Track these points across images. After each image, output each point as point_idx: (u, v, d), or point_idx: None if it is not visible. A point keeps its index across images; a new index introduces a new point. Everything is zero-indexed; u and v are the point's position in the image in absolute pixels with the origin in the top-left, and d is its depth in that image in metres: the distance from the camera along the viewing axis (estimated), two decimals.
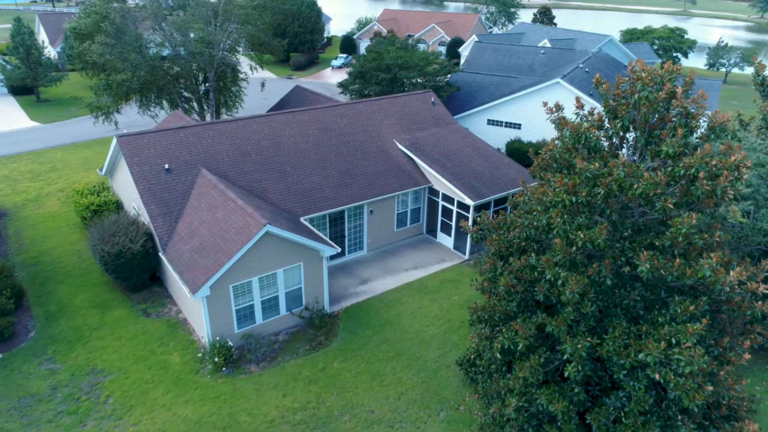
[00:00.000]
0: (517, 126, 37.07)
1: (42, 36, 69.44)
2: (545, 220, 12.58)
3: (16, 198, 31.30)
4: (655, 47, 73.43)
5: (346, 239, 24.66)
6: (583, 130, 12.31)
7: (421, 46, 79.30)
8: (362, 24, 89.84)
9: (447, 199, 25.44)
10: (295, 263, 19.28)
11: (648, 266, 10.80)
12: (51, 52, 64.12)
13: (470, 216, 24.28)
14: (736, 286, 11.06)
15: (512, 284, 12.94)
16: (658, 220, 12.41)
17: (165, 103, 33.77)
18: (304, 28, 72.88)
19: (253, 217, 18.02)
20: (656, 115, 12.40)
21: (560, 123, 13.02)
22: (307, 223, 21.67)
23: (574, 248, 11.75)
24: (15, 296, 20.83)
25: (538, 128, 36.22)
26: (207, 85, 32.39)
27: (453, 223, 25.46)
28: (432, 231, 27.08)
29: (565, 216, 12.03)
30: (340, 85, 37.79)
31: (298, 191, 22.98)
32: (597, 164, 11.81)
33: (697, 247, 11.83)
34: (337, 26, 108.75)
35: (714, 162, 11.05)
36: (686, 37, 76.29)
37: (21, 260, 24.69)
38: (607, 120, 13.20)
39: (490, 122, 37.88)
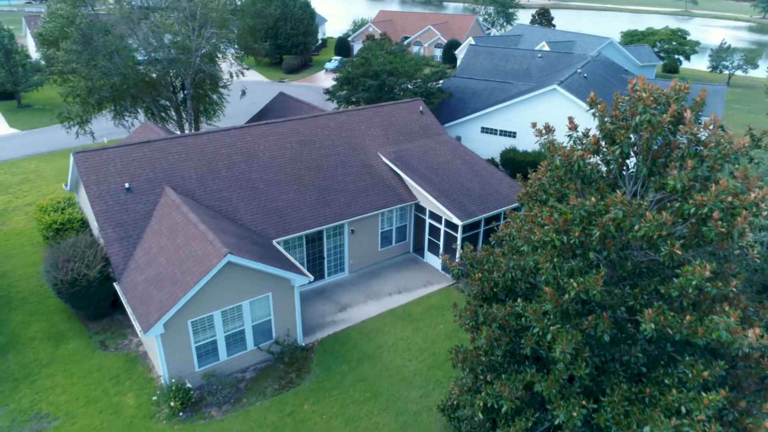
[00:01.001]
0: (512, 134, 35.34)
1: (29, 39, 67.80)
2: (533, 261, 10.86)
3: None
4: (656, 49, 71.65)
5: (326, 260, 22.92)
6: (576, 158, 10.57)
7: (417, 49, 77.65)
8: (357, 25, 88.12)
9: (434, 217, 23.71)
10: (262, 294, 17.54)
11: (653, 326, 9.07)
12: (37, 55, 62.43)
13: (458, 236, 22.54)
14: (755, 343, 9.33)
15: (495, 336, 11.20)
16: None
17: (141, 112, 32.04)
18: (296, 29, 71.18)
19: (214, 245, 16.29)
20: (660, 140, 10.67)
21: (550, 148, 11.29)
22: (279, 247, 19.95)
23: (566, 297, 10.01)
24: None
25: (534, 137, 34.42)
26: (185, 92, 30.67)
27: (441, 243, 23.73)
28: (419, 250, 25.35)
29: (555, 259, 10.30)
30: (327, 91, 36.09)
31: (272, 210, 21.25)
32: (593, 199, 10.07)
33: (709, 296, 10.09)
34: (333, 27, 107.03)
35: (730, 199, 9.31)
36: (688, 38, 74.49)
37: None
38: (604, 144, 11.47)
39: (485, 130, 36.15)
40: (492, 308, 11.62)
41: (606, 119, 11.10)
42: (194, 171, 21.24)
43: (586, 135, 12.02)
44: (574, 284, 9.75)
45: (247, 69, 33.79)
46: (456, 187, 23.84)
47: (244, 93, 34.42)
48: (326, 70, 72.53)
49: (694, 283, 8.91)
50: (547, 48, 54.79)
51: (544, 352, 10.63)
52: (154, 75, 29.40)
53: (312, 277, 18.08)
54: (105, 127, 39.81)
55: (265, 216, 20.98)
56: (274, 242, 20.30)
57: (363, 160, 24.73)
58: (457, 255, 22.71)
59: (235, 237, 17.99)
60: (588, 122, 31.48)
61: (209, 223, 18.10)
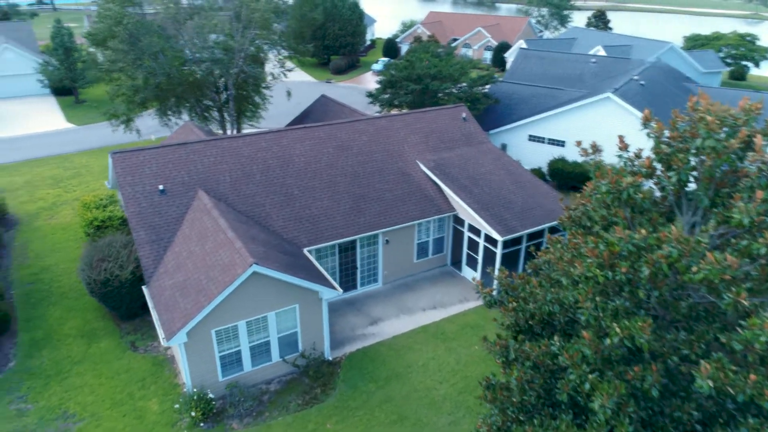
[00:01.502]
0: (561, 143, 33.77)
1: None
2: (572, 296, 9.82)
3: (31, 206, 30.56)
4: (722, 55, 67.60)
5: (358, 270, 22.30)
6: (625, 186, 9.46)
7: (465, 51, 76.21)
8: (406, 27, 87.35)
9: (473, 230, 22.69)
10: (289, 305, 17.06)
11: (711, 383, 7.91)
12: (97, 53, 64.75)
13: (498, 252, 21.44)
14: None
15: (527, 378, 10.20)
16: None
17: (185, 112, 32.35)
18: (344, 30, 71.11)
19: (240, 254, 15.90)
20: (726, 166, 9.42)
21: (596, 172, 10.21)
22: (310, 256, 19.44)
23: (609, 342, 8.94)
24: (1, 320, 19.51)
25: (583, 146, 32.78)
26: (227, 93, 30.74)
27: (479, 258, 22.68)
28: (457, 263, 24.37)
29: (597, 298, 9.23)
30: (370, 95, 35.50)
31: (305, 218, 20.78)
32: (643, 231, 8.96)
33: None
34: (383, 28, 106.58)
35: None
36: (758, 43, 69.93)
37: (20, 276, 23.57)
38: (659, 167, 10.29)
39: (532, 138, 34.71)
40: (525, 346, 10.62)
41: (662, 140, 9.93)
42: (228, 174, 21.03)
43: (638, 156, 10.88)
44: (618, 329, 8.67)
45: (290, 71, 33.59)
46: (497, 200, 22.73)
47: (289, 94, 34.24)
48: (373, 72, 72.09)
49: (763, 339, 7.70)
50: (602, 52, 52.47)
51: (582, 400, 9.59)
52: (198, 75, 29.53)
53: (341, 291, 17.46)
54: (152, 125, 40.59)
55: (298, 223, 20.53)
56: (305, 251, 19.82)
57: (401, 167, 23.96)
58: (496, 274, 21.67)
59: (263, 245, 17.59)
60: (644, 135, 29.70)
61: (239, 229, 17.76)
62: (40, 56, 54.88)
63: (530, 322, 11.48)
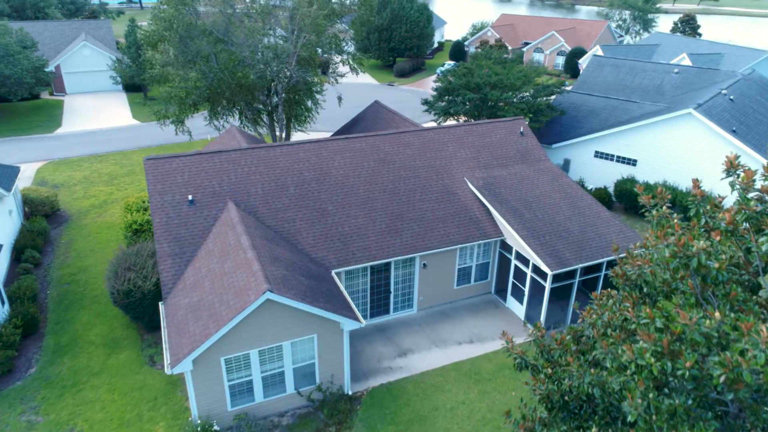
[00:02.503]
0: (632, 162, 30.63)
1: None
2: (618, 385, 7.77)
3: (84, 203, 31.14)
4: None
5: (392, 294, 20.69)
6: (696, 251, 7.29)
7: (537, 56, 72.71)
8: (476, 29, 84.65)
9: (521, 258, 20.51)
10: (306, 335, 15.72)
11: None
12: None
13: (547, 286, 19.16)
14: None
15: None
16: None
17: (235, 115, 31.96)
18: (411, 32, 69.58)
19: (256, 278, 14.71)
20: None
21: (657, 232, 8.08)
22: (337, 279, 18.03)
23: None
24: (27, 324, 19.45)
25: (658, 167, 29.61)
26: (278, 97, 30.00)
27: (526, 290, 20.46)
28: (502, 292, 22.24)
29: (651, 395, 7.15)
30: (425, 102, 33.76)
31: (336, 236, 19.41)
32: (717, 315, 6.82)
33: None
34: (453, 30, 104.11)
35: None
36: None
37: (58, 276, 23.72)
38: (745, 226, 8.02)
39: (599, 155, 31.76)
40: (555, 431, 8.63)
41: (752, 196, 7.68)
42: (261, 186, 20.01)
43: (717, 206, 8.63)
44: None
45: (342, 76, 32.46)
46: (551, 227, 20.42)
47: (340, 100, 33.10)
48: (438, 75, 70.15)
49: None
50: (687, 62, 47.98)
51: None
52: (250, 78, 28.92)
53: (363, 323, 15.91)
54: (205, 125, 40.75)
55: (328, 242, 19.19)
56: (333, 273, 18.43)
57: (446, 185, 22.11)
58: (543, 310, 19.42)
59: (285, 267, 16.34)
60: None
61: (262, 248, 16.62)
62: (116, 53, 57.04)
63: (566, 398, 9.45)
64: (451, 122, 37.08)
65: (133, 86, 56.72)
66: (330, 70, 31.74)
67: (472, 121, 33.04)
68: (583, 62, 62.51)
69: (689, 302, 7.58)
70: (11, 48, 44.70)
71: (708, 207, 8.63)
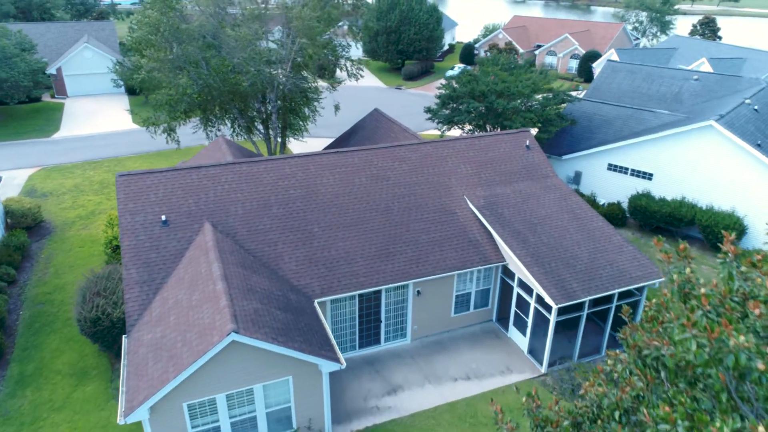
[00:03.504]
0: (648, 176, 28.69)
1: None
2: None
3: (71, 213, 29.93)
4: None
5: (383, 323, 19.08)
6: (733, 347, 5.57)
7: (549, 59, 70.64)
8: (488, 31, 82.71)
9: (524, 287, 18.79)
10: (280, 377, 14.17)
11: None
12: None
13: (552, 319, 17.42)
14: None
15: None
16: None
17: (228, 123, 30.54)
18: (420, 35, 67.87)
19: (222, 316, 13.18)
20: None
21: (680, 295, 6.39)
22: (319, 311, 16.45)
23: None
24: None
25: (675, 182, 27.66)
26: (271, 105, 28.54)
27: (529, 321, 18.74)
28: (503, 320, 20.53)
29: None
30: (428, 110, 32.09)
31: (321, 261, 17.84)
32: (762, 430, 5.13)
33: None
34: (465, 32, 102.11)
35: None
36: None
37: (33, 294, 22.44)
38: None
39: (612, 168, 29.86)
40: None
41: None
42: (242, 205, 18.50)
43: (756, 265, 6.92)
44: None
45: (340, 83, 30.94)
46: (557, 253, 18.67)
47: (337, 108, 31.54)
48: (444, 80, 68.37)
49: None
50: (707, 66, 45.77)
51: None
52: (243, 85, 27.46)
53: (344, 364, 14.31)
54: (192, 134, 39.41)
55: (312, 267, 17.63)
56: (317, 302, 16.87)
57: (444, 204, 20.45)
58: (547, 344, 17.69)
59: (259, 300, 14.80)
60: (762, 178, 24.30)
61: (235, 277, 15.10)
62: (117, 55, 56.08)
63: None
64: (455, 131, 35.33)
65: (135, 89, 55.66)
66: (327, 75, 30.20)
67: (477, 131, 31.34)
68: (597, 66, 60.38)
69: (721, 405, 5.87)
70: (8, 50, 43.80)
71: (743, 268, 6.92)
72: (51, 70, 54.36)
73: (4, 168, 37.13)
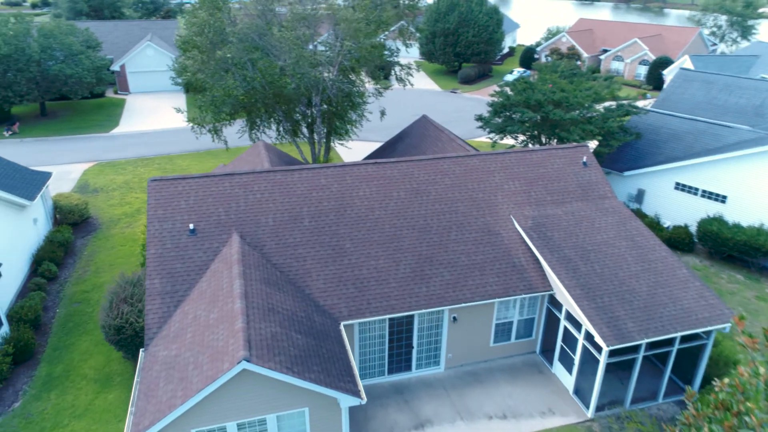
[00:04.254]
0: (721, 199, 25.99)
1: None
2: None
3: (118, 210, 30.33)
4: None
5: (414, 350, 17.81)
6: None
7: (615, 64, 66.95)
8: (551, 34, 79.49)
9: (572, 320, 17.04)
10: (296, 408, 13.20)
11: None
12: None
13: (602, 360, 15.62)
14: None
15: None
16: None
17: (273, 126, 30.08)
18: (478, 37, 65.85)
19: (236, 340, 12.34)
20: None
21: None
22: (344, 335, 15.39)
23: None
24: (20, 350, 18.15)
25: (753, 207, 24.87)
26: (314, 109, 27.82)
27: (576, 359, 16.97)
28: (548, 352, 18.80)
29: None
30: (480, 118, 30.47)
31: (351, 281, 16.77)
32: None
33: None
34: (527, 34, 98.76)
35: None
36: None
37: (72, 293, 22.60)
38: None
39: (680, 187, 27.28)
40: None
41: None
42: (272, 216, 17.71)
43: None
44: None
45: (387, 89, 29.86)
46: (611, 285, 16.80)
47: (383, 114, 30.46)
48: (504, 83, 66.02)
49: None
50: None
51: None
52: (290, 87, 26.85)
53: (364, 400, 13.17)
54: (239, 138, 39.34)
55: (341, 287, 16.59)
56: (343, 326, 15.82)
57: (488, 223, 18.93)
58: (596, 386, 15.90)
59: (279, 323, 13.89)
60: None
61: (256, 296, 14.27)
62: (177, 53, 57.33)
63: None
64: (508, 140, 33.45)
65: (193, 86, 56.69)
66: (381, 76, 29.08)
67: (531, 143, 29.47)
68: (669, 73, 56.54)
69: None
70: (74, 48, 45.40)
71: None
72: (115, 67, 56.25)
73: (62, 162, 38.38)
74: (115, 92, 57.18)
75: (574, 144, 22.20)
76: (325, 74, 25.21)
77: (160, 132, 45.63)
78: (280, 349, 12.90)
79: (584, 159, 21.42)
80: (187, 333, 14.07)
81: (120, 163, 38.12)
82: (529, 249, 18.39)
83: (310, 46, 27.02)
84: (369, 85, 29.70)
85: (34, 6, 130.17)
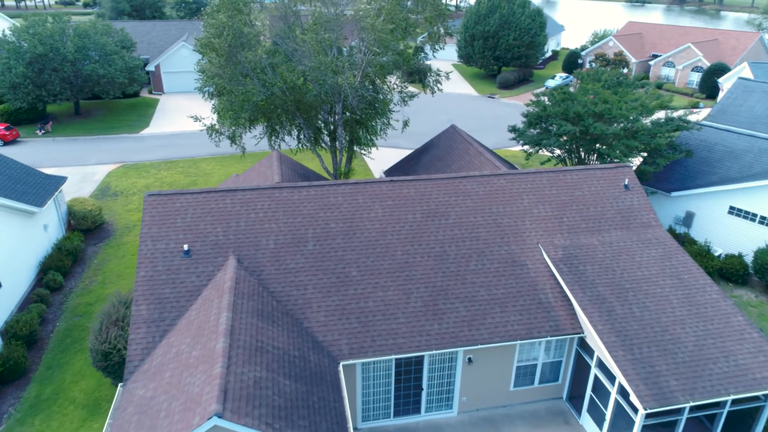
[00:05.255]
0: None
1: None
2: None
3: (134, 216, 29.63)
4: None
5: (424, 392, 16.05)
6: None
7: (665, 71, 63.16)
8: (597, 38, 75.94)
9: (604, 368, 14.95)
10: None
11: None
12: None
13: (637, 422, 13.49)
14: None
15: None
16: None
17: (294, 133, 28.75)
18: (520, 40, 63.19)
19: (210, 388, 10.89)
20: None
21: None
22: (341, 378, 13.77)
23: None
24: (10, 369, 17.29)
25: None
26: (336, 117, 26.35)
27: (608, 414, 14.86)
28: (576, 399, 16.70)
29: None
30: (513, 129, 28.36)
31: (355, 314, 15.15)
32: None
33: None
34: (573, 37, 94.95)
35: None
36: None
37: (74, 305, 21.80)
38: None
39: (734, 212, 24.53)
40: None
41: None
42: (274, 238, 16.27)
43: None
44: None
45: (411, 99, 28.11)
46: (652, 332, 14.62)
47: (406, 125, 28.69)
48: (546, 89, 63.13)
49: None
50: None
51: None
52: (310, 93, 25.47)
53: None
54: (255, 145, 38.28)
55: (343, 321, 14.99)
56: (342, 366, 14.22)
57: (512, 253, 16.98)
58: None
59: (266, 365, 12.38)
60: None
61: (245, 331, 12.82)
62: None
63: None
64: (544, 152, 31.12)
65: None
66: (417, 80, 27.36)
67: (569, 159, 27.18)
68: (725, 81, 52.69)
69: None
70: (108, 48, 45.45)
71: None
72: (150, 67, 56.42)
73: (89, 162, 38.23)
74: (150, 92, 57.36)
75: (615, 164, 19.93)
76: (348, 81, 23.67)
77: (188, 134, 45.14)
78: (262, 399, 11.39)
79: (626, 181, 19.15)
80: (166, 371, 12.74)
81: (144, 165, 37.66)
82: (558, 284, 16.35)
83: (334, 51, 25.54)
84: (395, 92, 27.96)
85: (86, 5, 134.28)
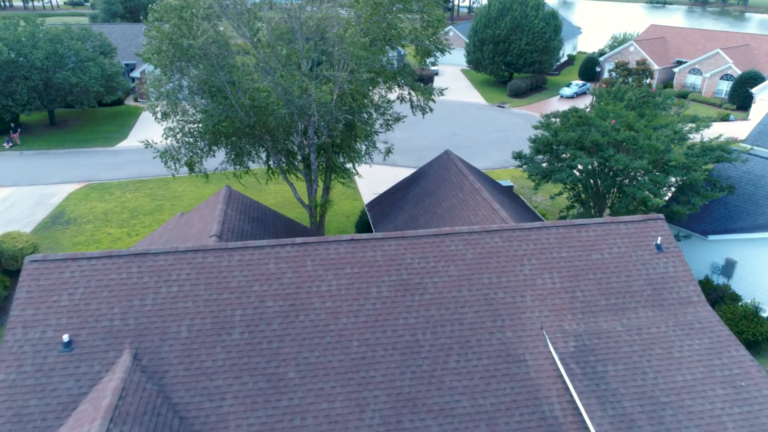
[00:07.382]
0: None
1: None
2: None
3: (81, 250, 25.89)
4: None
5: None
6: None
7: (691, 80, 58.25)
8: (616, 42, 71.11)
9: None
10: None
11: None
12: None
13: None
14: None
15: None
16: None
17: (263, 158, 24.76)
18: (533, 45, 58.72)
19: None
20: None
21: None
22: None
23: None
24: None
25: None
26: (308, 140, 22.34)
27: None
28: None
29: None
30: (518, 156, 24.10)
31: None
32: None
33: None
34: (591, 41, 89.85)
35: None
36: None
37: None
38: None
39: None
40: None
41: None
42: (188, 323, 12.26)
43: None
44: None
45: (398, 120, 24.03)
46: None
47: (389, 152, 24.45)
48: (561, 97, 58.78)
49: None
50: None
51: None
52: (282, 113, 21.46)
53: None
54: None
55: None
56: None
57: (508, 343, 12.79)
58: None
59: None
60: None
61: None
62: None
63: None
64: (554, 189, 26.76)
65: None
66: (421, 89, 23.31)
67: (583, 195, 22.84)
68: (759, 92, 47.80)
69: None
70: (83, 54, 41.94)
71: None
72: (136, 73, 53.00)
73: (52, 181, 34.79)
74: (135, 100, 53.95)
75: (644, 215, 15.57)
76: (323, 99, 19.62)
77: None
78: None
79: (658, 240, 14.83)
80: None
81: (111, 185, 34.04)
82: (568, 390, 12.12)
83: (304, 64, 21.49)
84: (377, 113, 23.79)
85: (93, 6, 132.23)
